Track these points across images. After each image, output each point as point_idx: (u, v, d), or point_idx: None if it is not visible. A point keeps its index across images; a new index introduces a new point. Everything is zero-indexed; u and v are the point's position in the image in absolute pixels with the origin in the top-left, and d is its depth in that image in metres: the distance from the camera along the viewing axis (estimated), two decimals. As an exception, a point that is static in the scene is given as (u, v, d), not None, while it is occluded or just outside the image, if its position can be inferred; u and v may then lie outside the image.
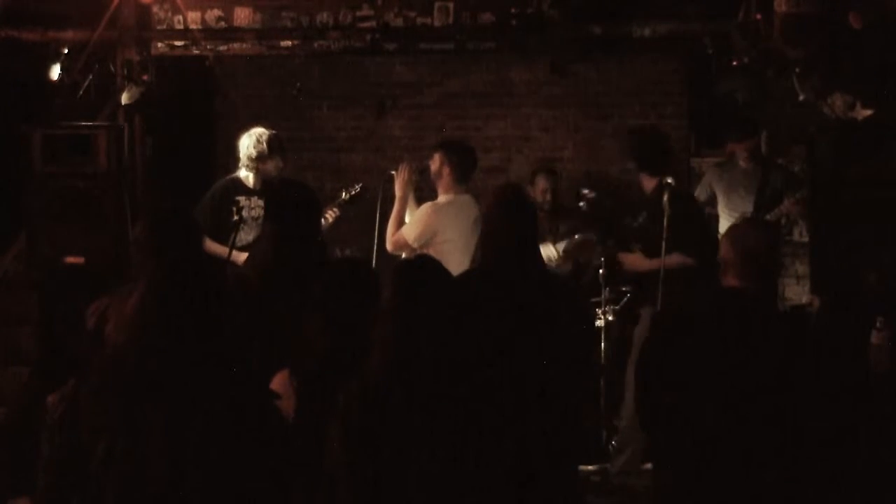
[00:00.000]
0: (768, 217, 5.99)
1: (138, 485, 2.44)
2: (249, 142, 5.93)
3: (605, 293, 6.03)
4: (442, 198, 5.59)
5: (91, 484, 2.43)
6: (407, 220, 5.65)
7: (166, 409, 2.46)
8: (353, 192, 6.27)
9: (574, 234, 6.74)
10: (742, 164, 6.33)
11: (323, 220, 5.96)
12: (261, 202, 5.88)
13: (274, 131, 6.00)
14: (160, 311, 2.52)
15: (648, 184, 5.67)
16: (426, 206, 5.58)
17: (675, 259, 5.39)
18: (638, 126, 6.51)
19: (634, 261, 5.68)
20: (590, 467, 5.62)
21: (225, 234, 5.70)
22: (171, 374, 2.48)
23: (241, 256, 5.38)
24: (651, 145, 5.76)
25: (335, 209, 6.13)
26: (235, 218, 5.84)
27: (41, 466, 2.53)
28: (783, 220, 6.21)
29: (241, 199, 5.94)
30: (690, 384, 3.25)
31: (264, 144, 5.90)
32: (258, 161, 5.89)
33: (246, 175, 5.97)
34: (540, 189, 6.95)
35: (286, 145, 6.16)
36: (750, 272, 3.30)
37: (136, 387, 2.47)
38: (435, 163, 5.65)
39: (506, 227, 3.74)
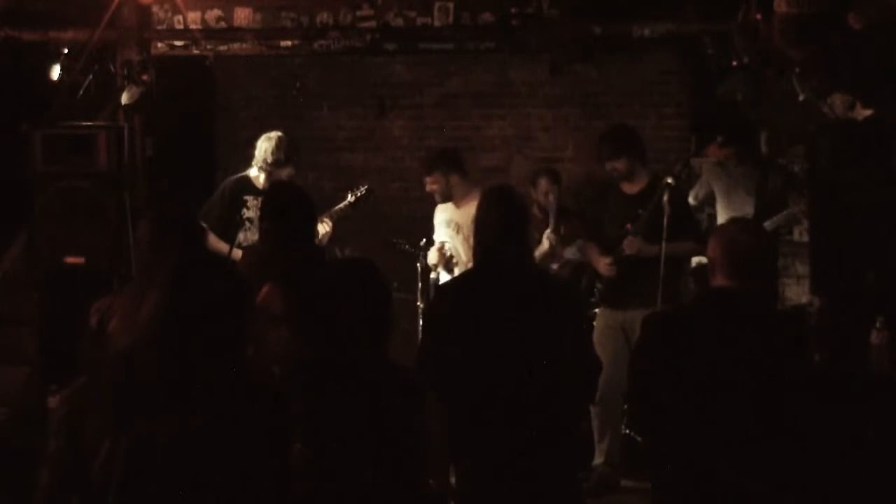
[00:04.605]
0: (772, 221, 5.98)
1: (140, 486, 2.44)
2: (269, 145, 5.95)
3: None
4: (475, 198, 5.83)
5: (93, 484, 2.43)
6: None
7: (176, 412, 2.47)
8: (359, 195, 6.34)
9: (575, 235, 6.72)
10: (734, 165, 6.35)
11: (324, 225, 6.00)
12: None
13: (292, 139, 6.07)
14: (175, 315, 2.53)
15: (642, 179, 5.71)
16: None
17: (689, 246, 5.53)
18: (617, 124, 6.51)
19: (643, 246, 5.57)
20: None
21: (232, 232, 5.73)
22: (183, 379, 2.49)
23: (238, 255, 5.40)
24: (638, 138, 5.82)
25: (338, 211, 6.20)
26: (242, 217, 5.87)
27: (44, 464, 2.54)
28: (784, 223, 6.20)
29: (250, 199, 5.97)
30: (682, 386, 3.25)
31: (283, 152, 5.94)
32: (273, 166, 5.93)
33: (257, 175, 6.00)
34: (542, 190, 6.94)
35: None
36: (738, 272, 3.29)
37: (147, 389, 2.49)
38: (438, 184, 5.87)
39: (496, 227, 3.75)
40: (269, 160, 5.91)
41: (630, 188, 5.75)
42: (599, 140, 5.94)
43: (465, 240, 5.95)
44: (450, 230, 6.14)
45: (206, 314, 2.54)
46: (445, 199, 6.10)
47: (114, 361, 2.63)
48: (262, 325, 2.84)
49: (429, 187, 6.10)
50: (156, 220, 3.78)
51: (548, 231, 6.49)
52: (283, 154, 5.92)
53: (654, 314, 4.07)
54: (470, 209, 5.87)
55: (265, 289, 3.45)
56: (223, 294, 2.59)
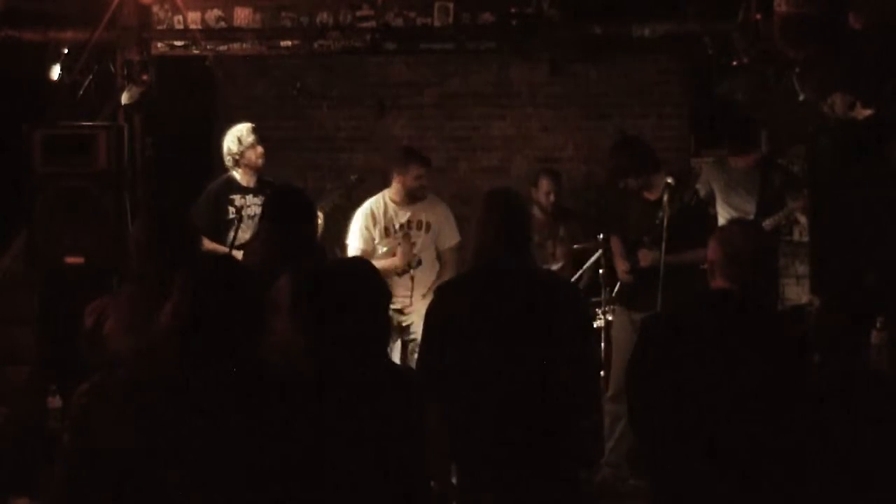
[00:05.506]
0: (771, 220, 5.98)
1: (154, 482, 2.47)
2: (227, 139, 6.13)
3: (605, 293, 6.05)
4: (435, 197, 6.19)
5: (106, 479, 2.46)
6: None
7: (193, 411, 2.49)
8: (349, 184, 6.45)
9: (574, 236, 6.74)
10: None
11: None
12: (256, 200, 5.99)
13: (248, 124, 6.18)
14: (198, 315, 2.55)
15: (660, 184, 5.66)
16: (446, 207, 6.18)
17: (695, 254, 5.40)
18: (624, 137, 6.49)
19: (657, 257, 5.49)
20: None
21: (223, 233, 5.75)
22: (202, 377, 2.52)
23: (239, 255, 5.40)
24: (645, 152, 5.79)
25: (329, 203, 6.29)
26: (231, 217, 5.90)
27: (60, 456, 2.56)
28: (784, 222, 6.20)
29: (237, 198, 6.04)
30: (680, 387, 3.25)
31: (236, 137, 6.09)
32: (238, 155, 6.06)
33: (240, 174, 6.07)
34: (543, 191, 6.93)
35: (285, 145, 6.24)
36: (736, 273, 3.29)
37: (165, 387, 2.51)
38: (425, 177, 6.09)
39: (496, 228, 3.76)
40: (235, 149, 6.06)
41: (650, 195, 5.72)
42: (608, 155, 5.96)
43: (434, 238, 6.07)
44: (417, 230, 6.09)
45: (227, 314, 2.57)
46: (423, 196, 6.08)
47: (133, 359, 2.66)
48: (271, 313, 2.86)
49: (419, 182, 6.02)
50: (152, 223, 3.77)
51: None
52: (235, 139, 6.06)
53: (653, 315, 4.08)
54: (438, 208, 6.13)
55: (282, 280, 3.46)
56: (243, 294, 2.62)
